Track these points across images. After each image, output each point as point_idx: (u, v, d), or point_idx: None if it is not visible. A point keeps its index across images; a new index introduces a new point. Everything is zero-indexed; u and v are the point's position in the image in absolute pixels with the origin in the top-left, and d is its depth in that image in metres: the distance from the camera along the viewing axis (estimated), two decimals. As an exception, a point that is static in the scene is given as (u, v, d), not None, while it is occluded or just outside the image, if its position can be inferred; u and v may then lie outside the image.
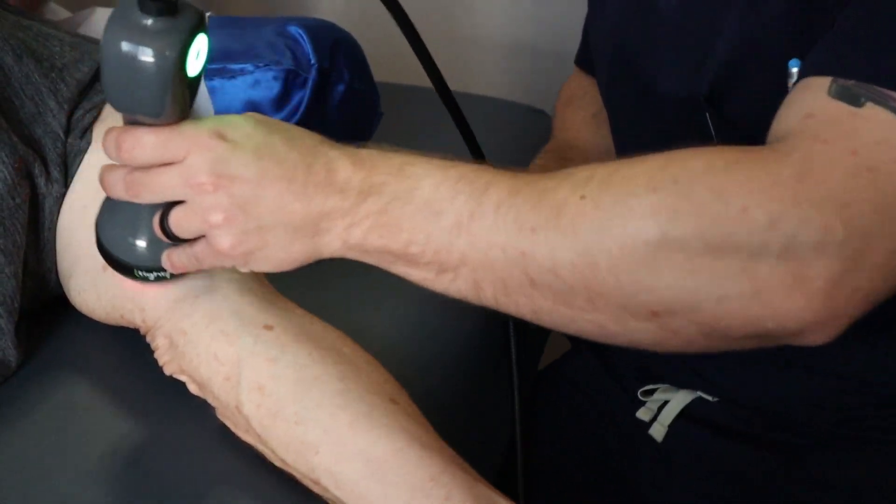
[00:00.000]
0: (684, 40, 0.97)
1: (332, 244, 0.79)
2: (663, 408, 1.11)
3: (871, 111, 0.73)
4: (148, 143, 0.77)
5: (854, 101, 0.74)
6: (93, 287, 0.91)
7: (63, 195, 0.92)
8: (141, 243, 0.83)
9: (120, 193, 0.80)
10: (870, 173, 0.71)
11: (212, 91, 1.16)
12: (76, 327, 0.94)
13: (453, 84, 0.97)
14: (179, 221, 0.80)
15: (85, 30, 1.28)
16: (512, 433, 1.09)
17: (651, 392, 1.13)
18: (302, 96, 1.17)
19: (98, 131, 0.93)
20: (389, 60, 1.35)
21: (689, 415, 1.09)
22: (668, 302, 0.72)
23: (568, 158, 1.21)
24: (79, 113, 0.94)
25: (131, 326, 0.91)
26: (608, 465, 1.16)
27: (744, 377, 1.05)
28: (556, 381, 1.26)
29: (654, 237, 0.71)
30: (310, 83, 1.17)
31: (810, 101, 0.76)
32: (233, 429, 0.84)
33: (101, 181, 0.81)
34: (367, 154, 0.79)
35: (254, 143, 0.77)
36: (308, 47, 1.19)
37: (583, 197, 0.73)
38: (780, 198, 0.71)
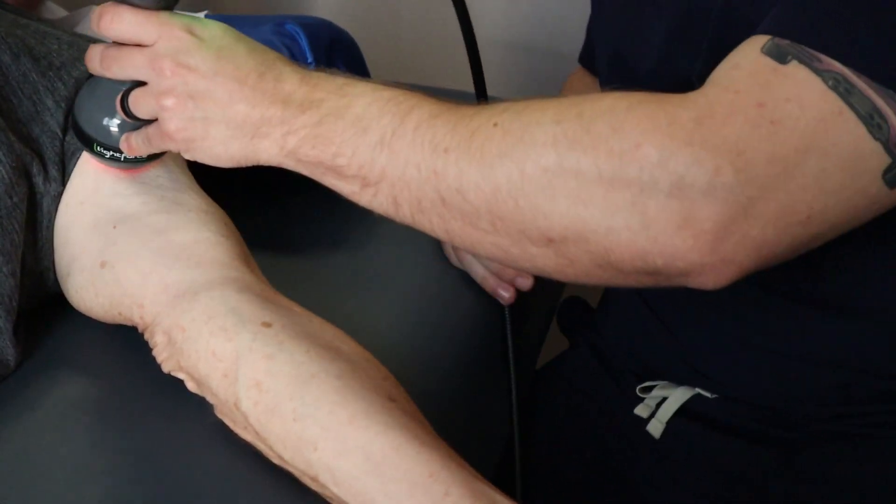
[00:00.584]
0: (680, 28, 0.97)
1: (270, 149, 0.83)
2: (661, 405, 1.11)
3: (793, 69, 0.74)
4: (125, 19, 0.84)
5: (781, 58, 0.75)
6: (90, 285, 0.91)
7: (61, 194, 0.92)
8: (105, 120, 0.89)
9: (95, 66, 0.87)
10: (772, 126, 0.73)
11: None
12: (74, 326, 0.93)
13: (454, 83, 0.99)
14: (137, 99, 0.86)
15: (82, 28, 1.28)
16: (510, 432, 1.09)
17: (649, 389, 1.13)
18: (299, 94, 1.19)
19: None
20: (387, 59, 1.38)
21: (688, 411, 1.09)
22: (561, 229, 0.76)
23: None
24: None
25: (129, 324, 0.90)
26: (606, 464, 1.16)
27: (744, 373, 1.05)
28: (553, 380, 1.26)
29: (552, 164, 0.75)
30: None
31: (741, 56, 0.78)
32: (231, 426, 0.83)
33: (85, 55, 0.88)
34: (315, 74, 0.85)
35: (218, 44, 0.83)
36: (305, 45, 1.19)
37: (496, 124, 0.77)
38: (673, 137, 0.73)
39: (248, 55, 0.84)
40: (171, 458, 0.82)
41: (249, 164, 0.85)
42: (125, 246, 0.90)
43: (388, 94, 0.82)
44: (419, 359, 1.00)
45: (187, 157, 0.86)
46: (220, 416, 0.84)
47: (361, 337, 0.87)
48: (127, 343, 0.91)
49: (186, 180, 0.96)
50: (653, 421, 1.11)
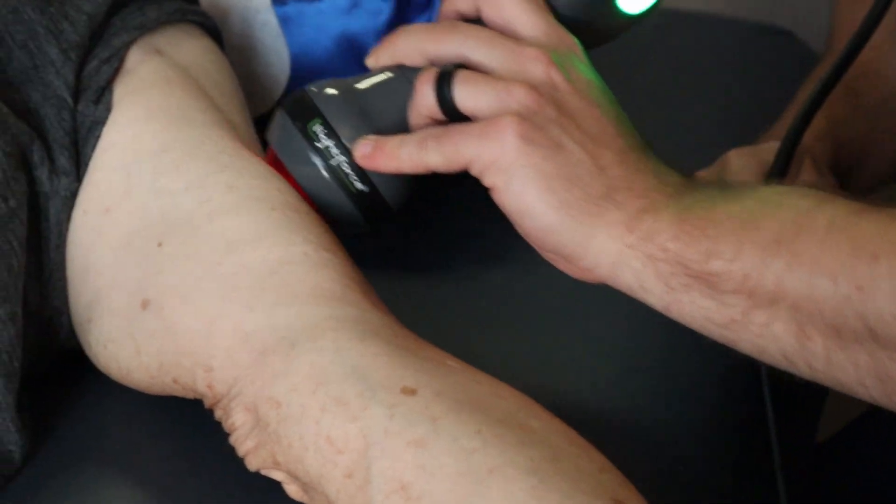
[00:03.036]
0: None
1: (610, 227, 0.81)
2: None
3: None
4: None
5: None
6: (127, 336, 0.84)
7: (75, 193, 0.87)
8: (379, 117, 0.87)
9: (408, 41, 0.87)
10: None
11: (285, 21, 1.12)
12: (103, 399, 0.89)
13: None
14: (476, 83, 0.83)
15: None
16: None
17: None
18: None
19: (122, 90, 0.89)
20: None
21: None
22: None
23: (858, 92, 1.16)
24: (91, 65, 0.89)
25: (190, 396, 0.83)
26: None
27: None
28: (847, 457, 1.21)
29: None
30: (436, 3, 1.14)
31: None
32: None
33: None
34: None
35: (595, 75, 0.85)
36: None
37: None
38: None
39: (617, 104, 0.85)
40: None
41: (567, 246, 0.83)
42: (177, 274, 0.84)
43: (786, 188, 0.80)
44: (644, 434, 0.93)
45: (497, 183, 0.83)
46: (344, 540, 0.76)
47: (553, 404, 0.79)
48: (186, 423, 0.85)
49: (261, 159, 0.89)
50: None
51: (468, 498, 0.71)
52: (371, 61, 0.89)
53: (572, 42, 0.86)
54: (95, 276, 0.86)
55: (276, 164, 0.88)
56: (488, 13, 0.87)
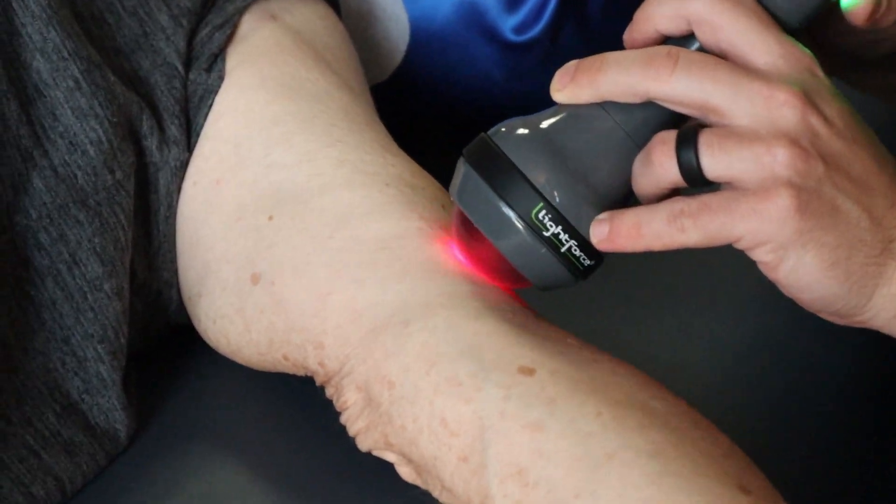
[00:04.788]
0: None
1: (892, 284, 0.77)
2: None
3: None
4: (737, 20, 0.78)
5: None
6: (237, 311, 0.85)
7: (185, 163, 0.88)
8: (601, 178, 0.78)
9: (607, 78, 0.77)
10: None
11: None
12: (212, 376, 0.90)
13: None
14: (728, 147, 0.76)
15: None
16: None
17: None
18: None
19: (235, 58, 0.90)
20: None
21: None
22: None
23: None
24: (203, 32, 0.90)
25: (302, 373, 0.83)
26: None
27: None
28: None
29: None
30: None
31: None
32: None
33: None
34: None
35: (843, 97, 0.79)
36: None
37: None
38: None
39: (860, 119, 0.79)
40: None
41: (836, 306, 0.78)
42: (288, 248, 0.84)
43: None
44: (780, 412, 0.91)
45: (765, 265, 0.77)
46: (456, 524, 0.77)
47: (679, 383, 0.78)
48: (297, 404, 0.86)
49: (378, 129, 0.89)
50: None
51: (586, 483, 0.71)
52: (563, 96, 0.79)
53: (810, 60, 0.78)
54: (205, 250, 0.87)
55: (465, 224, 0.81)
56: (706, 34, 0.78)
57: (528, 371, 0.75)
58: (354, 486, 0.83)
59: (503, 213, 0.77)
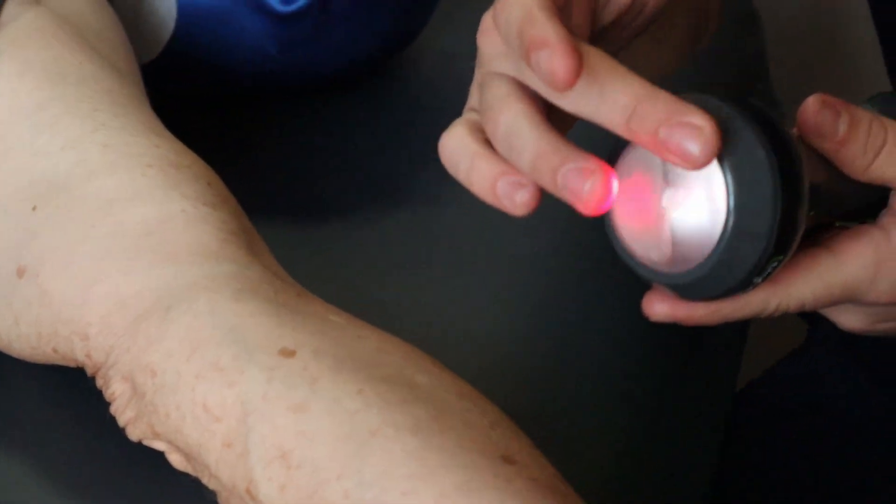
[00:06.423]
0: None
1: None
2: None
3: None
4: None
5: None
6: (7, 305, 0.82)
7: None
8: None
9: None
10: None
11: None
12: None
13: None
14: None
15: None
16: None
17: None
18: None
19: None
20: None
21: None
22: None
23: None
24: None
25: (72, 365, 0.80)
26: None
27: None
28: (762, 401, 1.22)
29: None
30: None
31: None
32: (246, 527, 0.73)
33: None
34: None
35: None
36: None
37: None
38: None
39: None
40: None
41: None
42: (53, 238, 0.81)
43: None
44: (551, 381, 0.89)
45: None
46: (226, 510, 0.73)
47: (450, 355, 0.77)
48: (75, 395, 0.82)
49: (144, 111, 0.88)
50: None
51: (350, 462, 0.70)
52: None
53: None
54: None
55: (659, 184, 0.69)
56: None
57: (290, 353, 0.74)
58: (133, 477, 0.81)
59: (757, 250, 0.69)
